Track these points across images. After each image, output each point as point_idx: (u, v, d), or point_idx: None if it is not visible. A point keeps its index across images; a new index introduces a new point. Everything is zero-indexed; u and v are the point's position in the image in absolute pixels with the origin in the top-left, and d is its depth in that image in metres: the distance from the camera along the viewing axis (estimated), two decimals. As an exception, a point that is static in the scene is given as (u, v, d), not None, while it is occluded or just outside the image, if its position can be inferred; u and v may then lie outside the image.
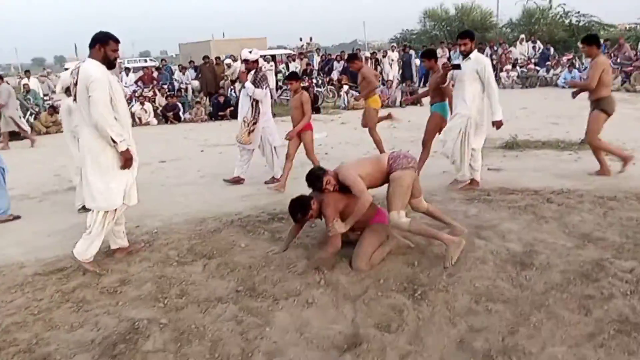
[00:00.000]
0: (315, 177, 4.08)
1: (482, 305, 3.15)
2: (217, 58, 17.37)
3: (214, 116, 14.48)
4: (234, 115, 14.24)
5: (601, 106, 6.31)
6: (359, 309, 3.21)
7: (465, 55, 5.56)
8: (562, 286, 3.30)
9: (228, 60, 17.08)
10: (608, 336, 2.71)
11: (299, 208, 3.99)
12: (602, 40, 17.96)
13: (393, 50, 19.15)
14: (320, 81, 17.33)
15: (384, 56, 18.92)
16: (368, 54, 19.38)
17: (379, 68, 18.64)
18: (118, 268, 4.02)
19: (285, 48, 34.52)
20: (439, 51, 19.11)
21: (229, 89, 16.08)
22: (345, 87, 15.80)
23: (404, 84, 15.79)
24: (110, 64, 3.98)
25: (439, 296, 3.28)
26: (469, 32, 5.69)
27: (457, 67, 5.57)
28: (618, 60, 15.90)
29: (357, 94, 15.99)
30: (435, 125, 6.48)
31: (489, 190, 5.72)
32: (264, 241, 4.47)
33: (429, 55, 6.69)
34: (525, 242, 4.05)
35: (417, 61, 19.85)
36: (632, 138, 8.36)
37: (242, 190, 6.52)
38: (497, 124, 5.80)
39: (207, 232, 4.77)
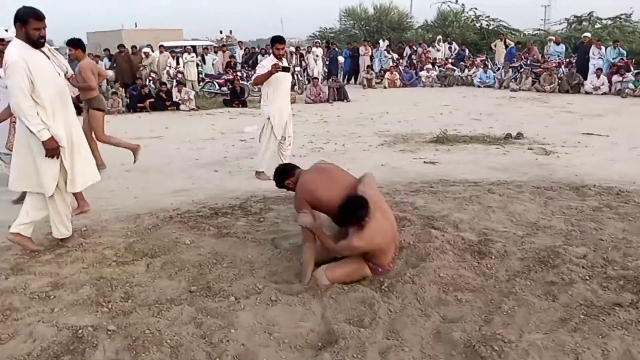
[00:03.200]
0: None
1: (451, 295, 3.10)
2: (134, 47, 16.38)
3: (131, 108, 13.66)
4: (153, 108, 13.56)
5: (93, 105, 6.44)
6: (327, 304, 3.04)
7: (280, 58, 5.85)
8: (524, 273, 3.33)
9: (146, 49, 16.19)
10: (579, 320, 2.74)
11: (278, 174, 3.89)
12: (512, 43, 19.24)
13: (317, 47, 19.09)
14: (245, 74, 16.92)
15: (308, 52, 18.83)
16: (293, 49, 19.22)
17: (303, 63, 18.54)
18: (47, 270, 3.55)
19: (200, 40, 33.35)
20: (362, 49, 19.42)
21: (147, 80, 15.27)
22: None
23: (330, 80, 15.80)
24: (35, 43, 3.62)
25: (406, 287, 3.19)
26: (282, 37, 6.01)
27: (287, 69, 5.81)
28: (528, 62, 16.94)
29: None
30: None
31: (431, 182, 5.78)
32: (210, 237, 4.15)
33: None
34: (478, 231, 4.08)
35: (341, 58, 20.06)
36: (551, 133, 8.87)
37: (173, 185, 6.13)
38: None
39: (145, 229, 4.36)
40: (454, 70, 18.51)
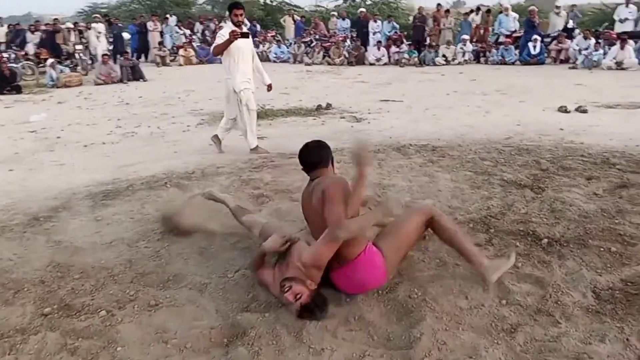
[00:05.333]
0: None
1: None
2: None
3: None
4: None
5: None
6: (217, 297, 2.80)
7: (239, 25, 5.54)
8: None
9: None
10: (453, 264, 3.00)
11: (323, 148, 2.99)
12: (298, 17, 20.09)
13: (98, 22, 17.23)
14: (13, 55, 14.46)
15: (88, 28, 16.91)
16: (71, 25, 17.00)
17: (84, 41, 16.62)
18: None
19: None
20: (150, 24, 18.21)
21: None
22: (50, 61, 13.60)
23: (122, 59, 14.48)
24: None
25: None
26: (239, 3, 5.67)
27: (246, 35, 5.50)
28: (317, 37, 17.91)
29: (67, 70, 14.03)
30: None
31: (269, 157, 5.74)
32: (42, 247, 3.48)
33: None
34: (334, 198, 4.20)
35: (127, 35, 18.53)
36: (355, 102, 9.54)
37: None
38: (270, 87, 6.32)
39: (-55, 250, 3.46)
40: (249, 46, 18.58)
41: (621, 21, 14.62)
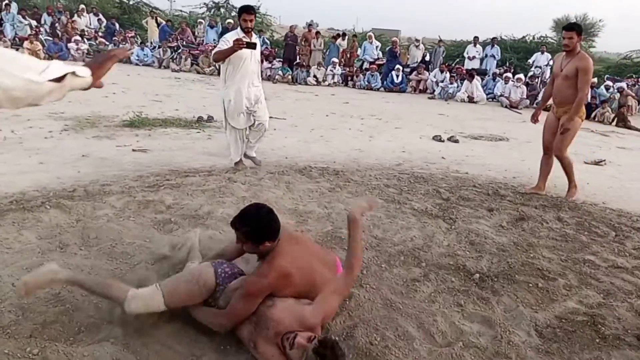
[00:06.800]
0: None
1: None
2: None
3: None
4: None
5: None
6: (151, 352, 2.34)
7: (249, 32, 5.14)
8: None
9: None
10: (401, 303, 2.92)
11: (262, 227, 2.53)
12: (163, 21, 19.05)
13: None
14: None
15: None
16: None
17: None
18: None
19: None
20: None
21: None
22: None
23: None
24: None
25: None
26: (250, 7, 5.19)
27: (253, 46, 5.03)
28: (184, 43, 17.09)
29: None
30: None
31: (162, 174, 5.17)
32: None
33: None
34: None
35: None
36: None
37: None
38: None
39: None
40: (107, 45, 17.10)
41: (470, 59, 16.36)
